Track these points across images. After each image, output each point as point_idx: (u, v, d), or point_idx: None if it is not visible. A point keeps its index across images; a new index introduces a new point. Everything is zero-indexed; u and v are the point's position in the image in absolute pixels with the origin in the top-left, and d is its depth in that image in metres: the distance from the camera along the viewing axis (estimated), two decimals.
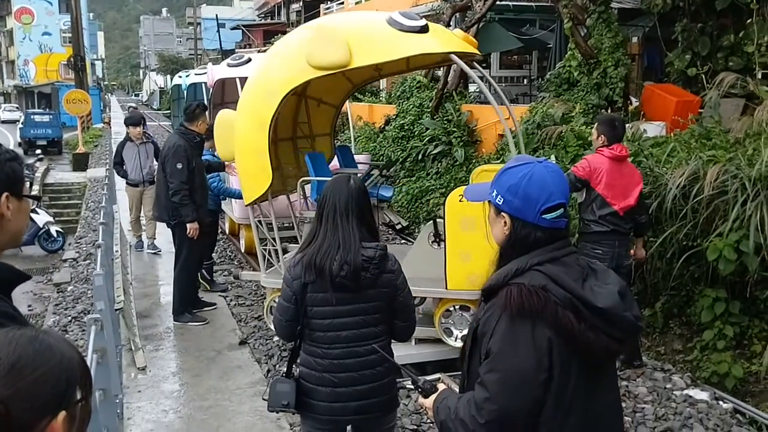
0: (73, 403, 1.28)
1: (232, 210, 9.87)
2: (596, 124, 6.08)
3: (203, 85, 14.54)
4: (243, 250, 10.00)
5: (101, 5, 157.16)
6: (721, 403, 5.64)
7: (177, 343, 6.92)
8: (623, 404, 5.38)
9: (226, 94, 10.28)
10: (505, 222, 2.12)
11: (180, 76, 20.29)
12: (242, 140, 6.11)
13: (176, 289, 7.45)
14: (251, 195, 6.21)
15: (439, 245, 6.31)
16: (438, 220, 6.29)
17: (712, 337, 6.24)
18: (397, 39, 5.67)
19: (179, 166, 7.06)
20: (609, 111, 10.37)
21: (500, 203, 2.12)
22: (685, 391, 5.73)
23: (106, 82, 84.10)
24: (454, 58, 5.95)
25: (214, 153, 8.18)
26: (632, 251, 6.05)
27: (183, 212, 7.14)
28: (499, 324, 2.00)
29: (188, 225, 7.16)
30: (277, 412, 3.49)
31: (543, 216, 2.06)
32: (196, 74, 16.75)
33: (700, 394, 5.70)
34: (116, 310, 6.10)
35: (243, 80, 9.22)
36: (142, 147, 10.12)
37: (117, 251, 8.12)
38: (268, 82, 6.04)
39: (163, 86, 65.11)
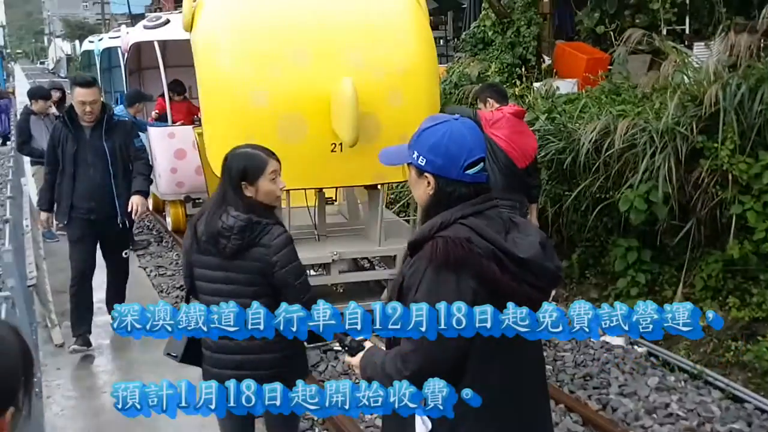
0: (20, 398, 1.20)
1: (156, 185, 8.87)
2: (479, 97, 6.01)
3: (119, 50, 13.80)
4: (170, 228, 9.25)
5: None
6: (635, 347, 5.90)
7: (95, 318, 6.73)
8: (544, 353, 5.57)
9: (142, 58, 9.70)
10: (428, 182, 2.13)
11: (91, 41, 18.94)
12: None
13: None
14: None
15: None
16: None
17: (625, 284, 6.48)
18: None
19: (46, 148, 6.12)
20: (523, 69, 10.53)
21: (423, 164, 2.11)
22: (602, 338, 5.96)
23: (8, 50, 79.91)
24: None
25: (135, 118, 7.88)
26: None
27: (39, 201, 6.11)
28: (425, 276, 2.02)
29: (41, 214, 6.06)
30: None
31: (466, 172, 2.08)
32: (110, 38, 15.72)
33: (616, 340, 5.93)
34: (29, 286, 5.88)
35: (162, 43, 8.77)
36: (48, 120, 8.78)
37: (27, 225, 7.80)
38: None
39: (70, 53, 62.22)
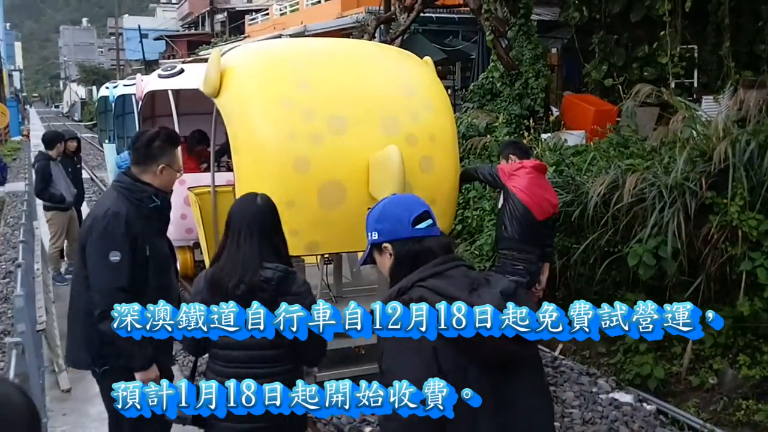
0: None
1: None
2: (501, 153, 6.02)
3: (133, 97, 13.90)
4: (178, 275, 9.03)
5: (18, 15, 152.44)
6: (644, 404, 5.83)
7: None
8: None
9: (156, 107, 9.80)
10: (389, 253, 2.21)
11: (107, 87, 19.33)
12: None
13: None
14: None
15: None
16: None
17: (634, 339, 6.43)
18: None
19: (114, 258, 3.51)
20: (531, 121, 10.63)
21: (376, 237, 2.23)
22: (611, 395, 5.91)
23: (24, 94, 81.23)
24: None
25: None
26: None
27: (126, 352, 3.47)
28: (386, 343, 2.07)
29: (137, 375, 3.55)
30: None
31: (415, 227, 2.17)
32: (125, 85, 15.83)
33: (624, 397, 5.88)
34: (38, 331, 5.89)
35: (176, 92, 8.90)
36: (64, 164, 9.24)
37: (38, 269, 7.85)
38: None
39: (84, 97, 63.17)
